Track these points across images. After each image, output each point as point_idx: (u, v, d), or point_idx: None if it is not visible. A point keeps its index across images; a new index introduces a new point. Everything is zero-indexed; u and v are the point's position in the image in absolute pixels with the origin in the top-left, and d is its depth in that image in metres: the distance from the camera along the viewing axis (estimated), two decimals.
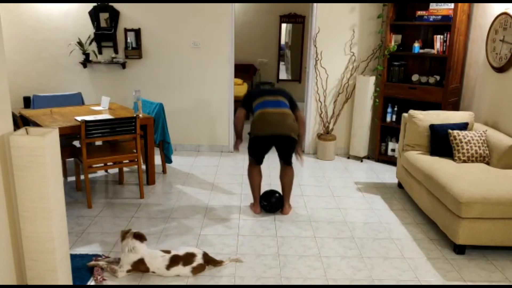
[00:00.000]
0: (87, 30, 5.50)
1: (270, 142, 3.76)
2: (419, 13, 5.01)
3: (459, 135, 3.97)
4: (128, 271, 2.91)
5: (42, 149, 2.28)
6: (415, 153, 4.21)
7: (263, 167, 5.25)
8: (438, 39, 4.89)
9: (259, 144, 3.79)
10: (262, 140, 3.74)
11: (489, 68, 4.45)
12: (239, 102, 4.16)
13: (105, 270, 2.95)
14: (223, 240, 3.43)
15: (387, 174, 5.08)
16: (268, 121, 3.65)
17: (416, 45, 5.06)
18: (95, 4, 5.39)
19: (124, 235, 2.96)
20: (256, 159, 3.91)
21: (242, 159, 5.52)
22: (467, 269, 3.09)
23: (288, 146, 3.80)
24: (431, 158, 4.04)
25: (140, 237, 2.95)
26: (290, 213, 3.98)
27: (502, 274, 3.04)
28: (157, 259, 2.93)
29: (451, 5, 4.74)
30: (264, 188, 4.14)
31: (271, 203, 3.93)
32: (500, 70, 4.22)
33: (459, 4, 4.66)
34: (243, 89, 7.87)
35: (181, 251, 3.00)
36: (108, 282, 2.86)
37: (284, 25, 9.04)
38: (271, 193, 3.98)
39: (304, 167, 5.36)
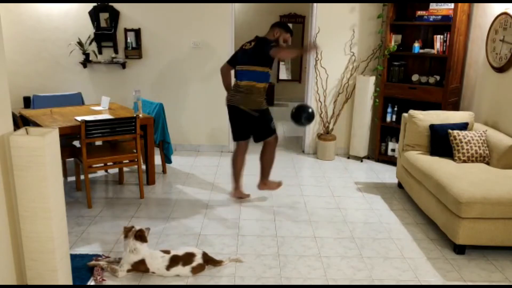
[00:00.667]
0: (87, 30, 5.50)
1: (237, 114, 3.97)
2: (419, 13, 5.01)
3: (459, 135, 3.97)
4: (129, 270, 2.91)
5: (42, 149, 2.28)
6: (415, 153, 4.21)
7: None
8: (438, 39, 4.89)
9: (231, 113, 4.02)
10: (231, 110, 3.99)
11: (489, 68, 4.44)
12: None
13: (105, 270, 2.94)
14: (223, 240, 3.43)
15: (387, 174, 5.08)
16: (237, 92, 3.95)
17: (416, 45, 5.06)
18: (95, 4, 5.39)
19: (127, 233, 2.95)
20: (234, 134, 4.10)
21: None
22: (467, 269, 3.09)
23: (250, 122, 3.98)
24: (431, 158, 4.03)
25: (141, 238, 2.94)
26: (265, 189, 4.26)
27: (502, 274, 3.04)
28: (157, 259, 2.93)
29: (451, 5, 4.74)
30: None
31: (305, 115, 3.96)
32: (500, 70, 4.22)
33: (459, 4, 4.66)
34: None
35: (180, 251, 3.00)
36: (108, 282, 2.86)
37: None
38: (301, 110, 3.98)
39: (304, 167, 5.36)
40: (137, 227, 2.97)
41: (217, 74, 5.59)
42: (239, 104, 3.92)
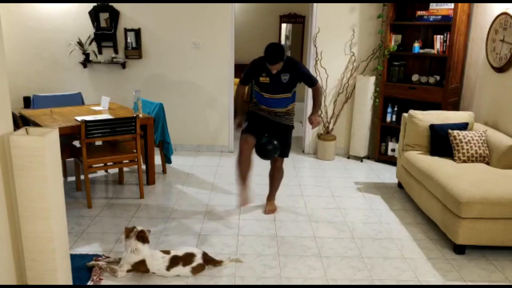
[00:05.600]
0: (87, 30, 5.50)
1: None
2: (419, 13, 5.01)
3: (459, 135, 3.97)
4: (128, 270, 2.91)
5: (42, 149, 2.28)
6: (415, 153, 4.21)
7: (264, 165, 5.25)
8: (438, 39, 4.89)
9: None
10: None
11: (489, 68, 4.44)
12: None
13: (105, 270, 2.94)
14: (223, 240, 3.43)
15: (387, 174, 5.08)
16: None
17: (416, 45, 5.06)
18: (95, 4, 5.39)
19: (128, 233, 2.95)
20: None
21: None
22: (467, 269, 3.09)
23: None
24: (431, 158, 4.03)
25: (143, 238, 2.94)
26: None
27: (502, 274, 3.04)
28: (158, 260, 2.93)
29: (451, 5, 4.73)
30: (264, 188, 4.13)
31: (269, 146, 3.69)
32: (500, 70, 4.22)
33: (459, 4, 4.66)
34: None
35: (180, 252, 3.00)
36: (108, 282, 2.86)
37: (284, 25, 9.05)
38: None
39: (304, 167, 5.36)
40: (139, 228, 2.97)
41: (217, 74, 5.64)
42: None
